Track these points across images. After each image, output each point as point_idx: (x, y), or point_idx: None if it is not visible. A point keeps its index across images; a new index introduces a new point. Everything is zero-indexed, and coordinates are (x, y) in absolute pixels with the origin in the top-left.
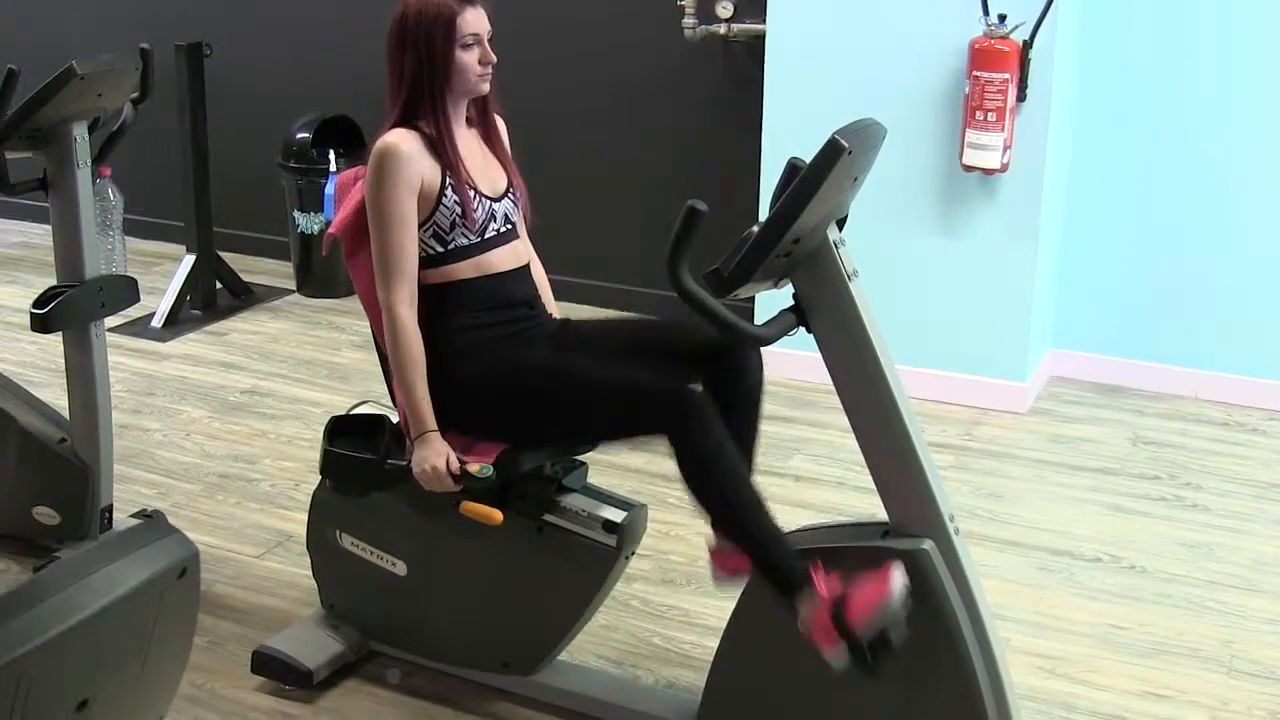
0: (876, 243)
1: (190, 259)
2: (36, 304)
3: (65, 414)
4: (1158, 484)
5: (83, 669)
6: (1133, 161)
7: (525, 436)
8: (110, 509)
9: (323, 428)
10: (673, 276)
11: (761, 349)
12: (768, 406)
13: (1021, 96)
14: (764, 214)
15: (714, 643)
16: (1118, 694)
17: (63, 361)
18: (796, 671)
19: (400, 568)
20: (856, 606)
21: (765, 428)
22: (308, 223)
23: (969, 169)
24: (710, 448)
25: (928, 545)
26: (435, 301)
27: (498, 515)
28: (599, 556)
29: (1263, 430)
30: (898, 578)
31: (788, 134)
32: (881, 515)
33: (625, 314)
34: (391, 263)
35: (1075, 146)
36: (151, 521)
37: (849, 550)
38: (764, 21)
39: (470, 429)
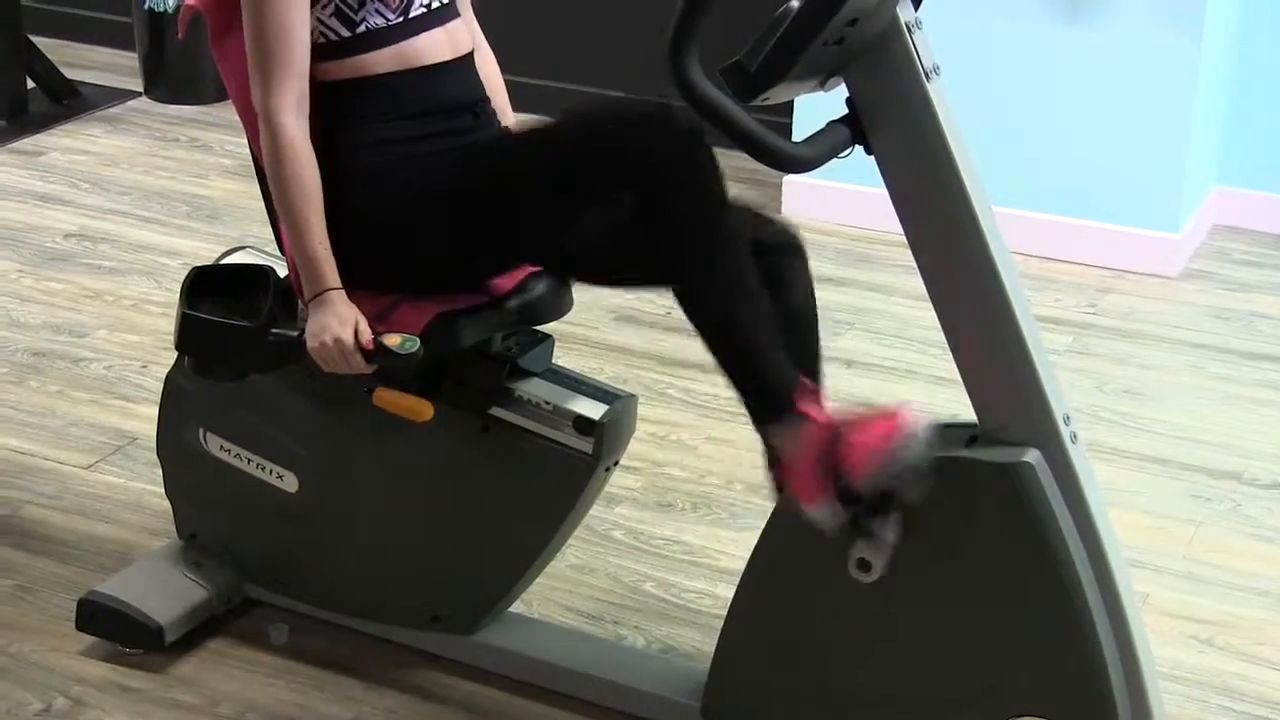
0: (967, 30)
1: None
2: None
3: None
4: None
5: None
6: None
7: (461, 261)
8: None
9: (180, 285)
10: (676, 72)
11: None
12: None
13: None
14: None
15: (728, 590)
16: None
17: None
18: (845, 628)
19: (289, 482)
20: (859, 446)
21: None
22: None
23: None
24: (716, 202)
25: (1032, 457)
26: (338, 106)
27: (427, 408)
28: (569, 468)
29: None
30: (915, 417)
31: None
32: (968, 414)
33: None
34: (271, 52)
35: None
36: None
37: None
38: None
39: (389, 285)
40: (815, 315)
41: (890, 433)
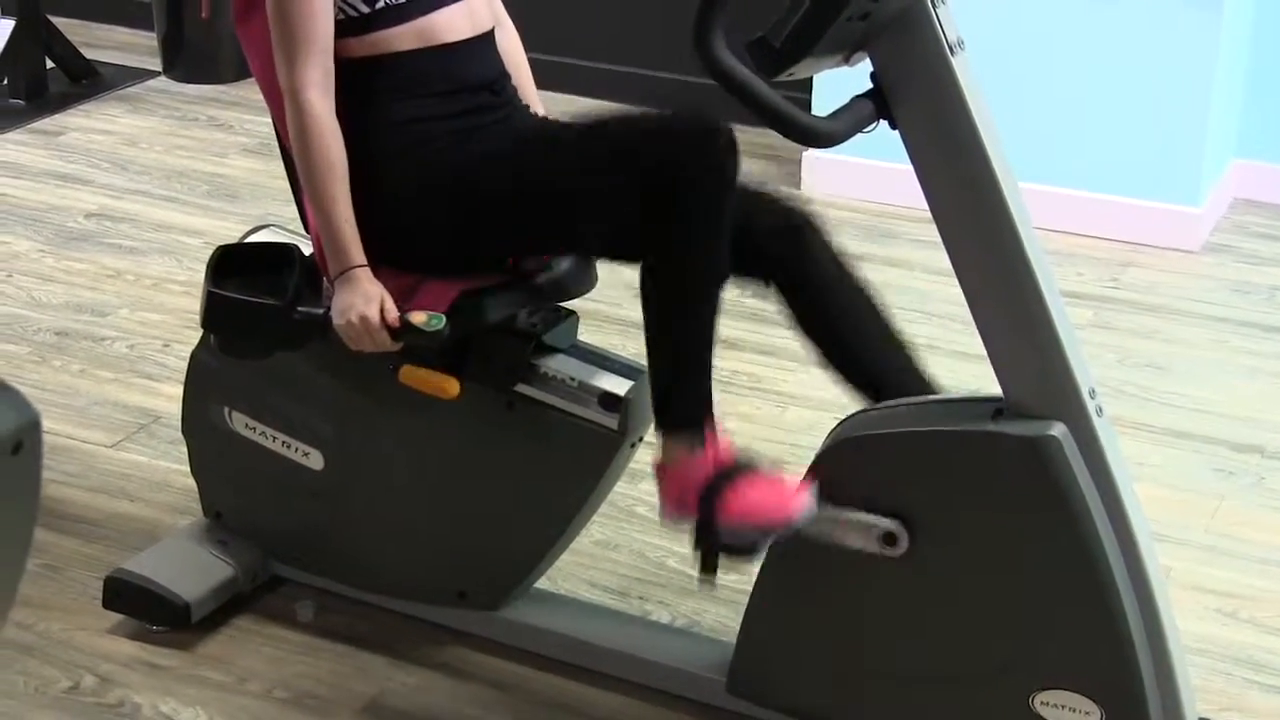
0: (990, 5)
1: (7, 26)
2: None
3: None
4: None
5: None
6: None
7: (487, 245)
8: None
9: (204, 264)
10: (701, 49)
11: (817, 219)
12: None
13: None
14: None
15: (753, 566)
16: None
17: None
18: (869, 602)
19: (315, 459)
20: (741, 501)
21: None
22: None
23: None
24: (728, 198)
25: (1058, 431)
26: (360, 84)
27: (452, 385)
28: (594, 443)
29: None
30: (807, 501)
31: None
32: (992, 388)
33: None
34: (295, 28)
35: None
36: None
37: (947, 435)
38: None
39: (414, 262)
40: (861, 291)
41: (777, 509)
